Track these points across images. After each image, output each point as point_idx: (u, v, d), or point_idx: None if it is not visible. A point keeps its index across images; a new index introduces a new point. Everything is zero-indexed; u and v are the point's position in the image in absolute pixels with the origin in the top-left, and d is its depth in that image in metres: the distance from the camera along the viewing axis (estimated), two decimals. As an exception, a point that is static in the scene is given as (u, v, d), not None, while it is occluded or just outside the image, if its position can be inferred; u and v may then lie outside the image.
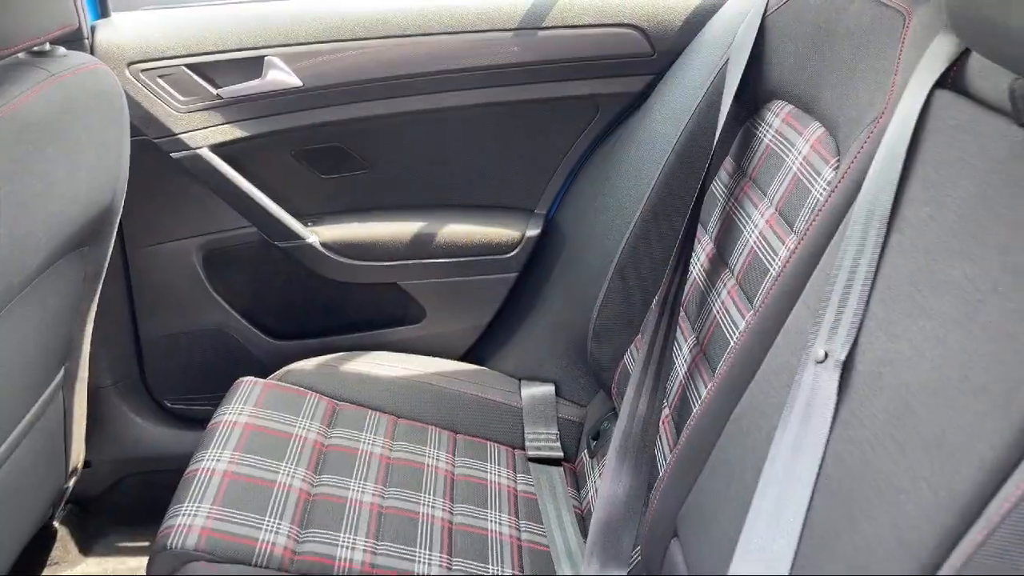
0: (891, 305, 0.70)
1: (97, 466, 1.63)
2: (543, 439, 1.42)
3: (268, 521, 1.09)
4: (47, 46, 1.04)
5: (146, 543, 1.64)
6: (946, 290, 0.64)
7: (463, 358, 1.58)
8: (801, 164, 1.01)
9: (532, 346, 1.56)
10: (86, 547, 1.65)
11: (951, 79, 0.75)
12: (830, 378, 0.74)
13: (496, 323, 1.60)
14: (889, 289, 0.71)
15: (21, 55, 1.02)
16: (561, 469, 1.38)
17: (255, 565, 1.04)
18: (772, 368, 0.84)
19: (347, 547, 1.09)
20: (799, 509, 0.72)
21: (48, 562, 1.61)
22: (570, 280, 1.53)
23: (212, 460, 1.16)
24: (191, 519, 1.06)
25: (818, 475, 0.71)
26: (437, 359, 1.52)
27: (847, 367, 0.73)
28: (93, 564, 1.64)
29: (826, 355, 0.75)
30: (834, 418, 0.72)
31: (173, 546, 1.03)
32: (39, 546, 1.58)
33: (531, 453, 1.39)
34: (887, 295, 0.71)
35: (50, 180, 0.98)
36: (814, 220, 0.87)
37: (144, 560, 1.67)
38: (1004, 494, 0.52)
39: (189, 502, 1.10)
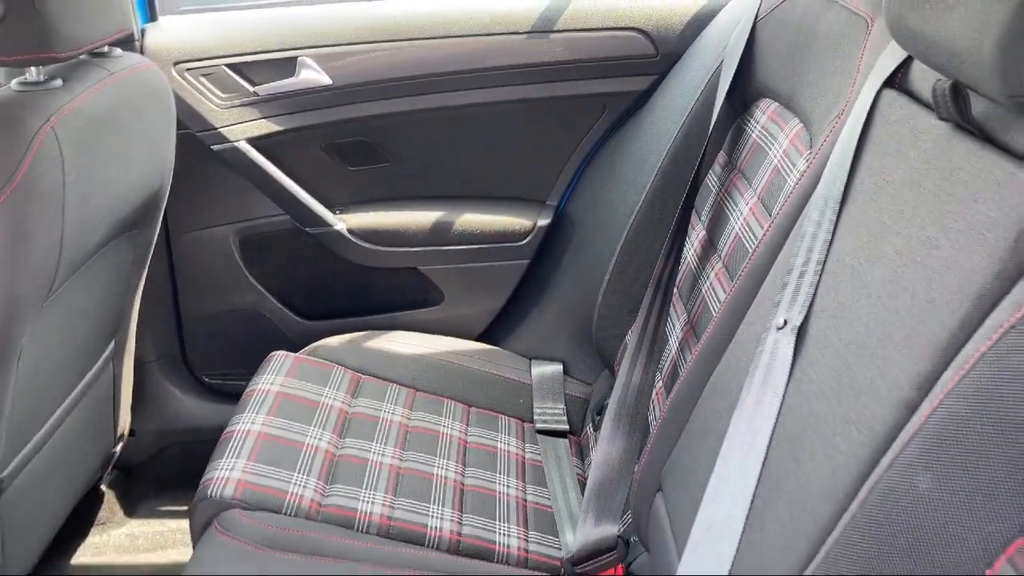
0: (838, 276, 0.80)
1: (141, 436, 1.76)
2: (551, 413, 1.53)
3: (297, 477, 1.21)
4: (106, 48, 1.17)
5: (185, 507, 1.76)
6: (880, 262, 0.74)
7: (478, 339, 1.69)
8: (781, 156, 1.11)
9: (542, 328, 1.67)
10: (130, 510, 1.78)
11: (897, 80, 0.85)
12: (788, 342, 0.84)
13: (509, 306, 1.71)
14: (838, 263, 0.81)
15: (83, 56, 1.15)
16: (567, 441, 1.48)
17: (284, 514, 1.16)
18: (744, 337, 0.94)
19: (367, 502, 1.20)
20: (759, 456, 0.82)
21: (95, 522, 1.75)
22: (578, 266, 1.64)
23: (247, 423, 1.29)
24: (228, 473, 1.19)
25: (775, 426, 0.81)
26: (454, 339, 1.63)
27: (801, 331, 0.83)
28: (136, 525, 1.77)
29: (785, 322, 0.85)
30: (789, 376, 0.82)
31: (213, 495, 1.16)
32: (88, 507, 1.72)
33: (539, 426, 1.50)
34: (836, 267, 0.81)
35: (109, 168, 1.11)
36: (784, 204, 0.97)
37: (183, 523, 1.79)
38: (910, 427, 0.63)
39: (227, 458, 1.22)
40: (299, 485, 1.20)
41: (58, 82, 1.05)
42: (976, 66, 0.62)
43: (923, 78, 0.80)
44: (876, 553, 0.62)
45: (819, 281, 0.83)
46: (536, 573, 1.17)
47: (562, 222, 1.69)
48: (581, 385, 1.59)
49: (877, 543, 0.62)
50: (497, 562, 1.18)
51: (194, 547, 1.14)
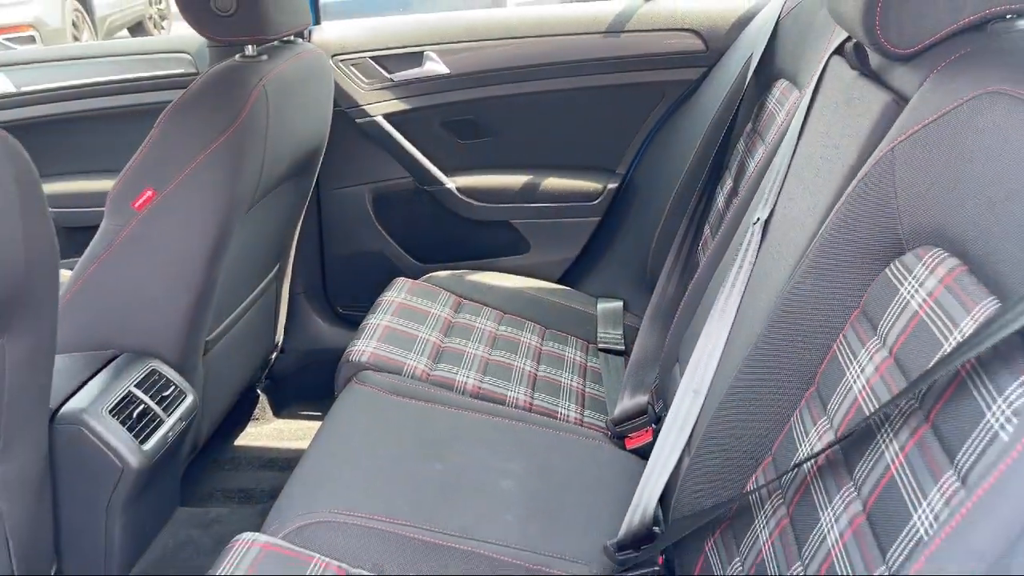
0: (793, 183, 1.16)
1: (288, 352, 2.22)
2: (611, 337, 1.90)
3: (412, 356, 1.62)
4: (293, 36, 1.63)
5: (319, 413, 2.21)
6: (815, 172, 1.10)
7: (557, 282, 2.09)
8: (783, 117, 1.46)
9: (608, 272, 2.05)
10: (277, 411, 2.25)
11: (844, 48, 1.20)
12: (758, 233, 1.20)
13: (582, 254, 2.10)
14: (794, 175, 1.17)
15: (276, 42, 1.62)
16: (622, 359, 1.85)
17: (403, 376, 1.57)
18: (738, 236, 1.30)
19: (463, 377, 1.61)
20: (730, 319, 1.18)
21: (251, 418, 2.22)
22: (638, 223, 2.01)
23: (377, 319, 1.72)
24: (364, 346, 1.62)
25: (746, 283, 1.17)
26: (537, 280, 2.02)
27: (767, 224, 1.19)
28: (282, 422, 2.23)
29: (758, 219, 1.21)
30: (755, 259, 1.18)
31: (353, 360, 1.59)
32: (246, 404, 2.18)
33: (601, 345, 1.87)
34: (792, 178, 1.17)
35: (294, 120, 1.57)
36: (773, 140, 1.33)
37: (316, 425, 2.24)
38: (809, 249, 0.98)
39: (363, 340, 1.65)
40: (413, 361, 1.61)
41: (265, 57, 1.51)
42: (859, 27, 0.98)
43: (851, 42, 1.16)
44: (780, 337, 0.97)
45: (782, 187, 1.19)
46: (589, 429, 1.54)
47: (627, 186, 2.07)
48: (637, 318, 1.95)
49: (781, 332, 0.97)
50: (560, 420, 1.56)
51: (337, 393, 1.56)
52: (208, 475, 1.97)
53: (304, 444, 2.17)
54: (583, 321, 1.93)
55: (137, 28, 7.14)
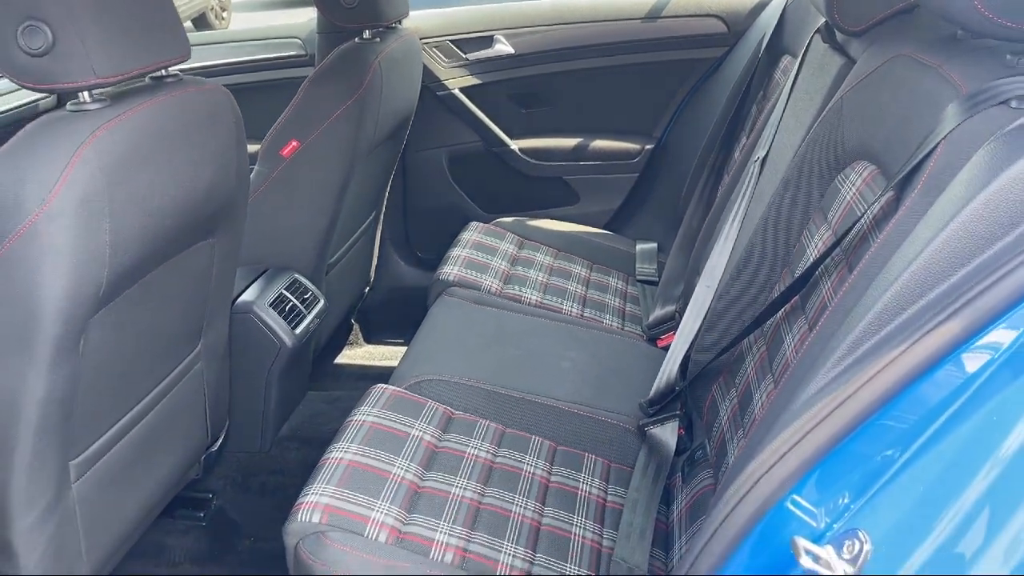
0: (782, 128, 1.56)
1: (376, 289, 2.66)
2: (647, 271, 2.30)
3: (487, 277, 2.04)
4: (394, 24, 2.06)
5: (402, 340, 2.65)
6: (796, 117, 1.49)
7: (602, 228, 2.49)
8: (789, 87, 1.85)
9: (645, 219, 2.46)
10: (367, 337, 2.69)
11: (821, 28, 1.59)
12: (757, 168, 1.60)
13: (623, 204, 2.51)
14: (783, 123, 1.57)
15: (382, 29, 2.05)
16: (656, 288, 2.25)
17: (481, 291, 1.99)
18: (744, 173, 1.70)
19: (528, 294, 2.02)
20: (736, 232, 1.58)
21: (347, 343, 2.66)
22: (671, 177, 2.41)
23: (458, 251, 2.13)
24: (450, 269, 2.04)
25: (745, 214, 1.57)
26: (585, 226, 2.44)
27: (764, 161, 1.59)
28: (371, 347, 2.68)
29: (757, 158, 1.61)
30: (755, 187, 1.58)
31: (442, 279, 2.01)
32: (344, 330, 2.63)
33: (639, 277, 2.28)
34: (782, 125, 1.57)
35: (397, 92, 1.99)
36: (778, 104, 1.72)
37: (402, 349, 2.66)
38: (790, 165, 1.39)
39: (448, 265, 2.07)
40: (488, 281, 2.03)
41: (378, 40, 1.94)
42: (825, 11, 1.37)
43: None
44: (767, 234, 1.37)
45: (774, 134, 1.59)
46: (628, 334, 1.95)
47: (662, 147, 2.47)
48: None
49: (768, 230, 1.37)
50: (605, 327, 1.97)
51: (430, 304, 1.99)
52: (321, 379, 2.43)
53: (392, 363, 2.63)
54: (624, 258, 2.33)
55: (200, 20, 7.43)
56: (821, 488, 0.78)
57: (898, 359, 0.73)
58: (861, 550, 0.69)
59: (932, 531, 0.68)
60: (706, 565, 0.74)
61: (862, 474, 0.76)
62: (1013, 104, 0.84)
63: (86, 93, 1.09)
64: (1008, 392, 0.70)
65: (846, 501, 0.76)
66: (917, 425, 0.74)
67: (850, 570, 0.69)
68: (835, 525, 0.76)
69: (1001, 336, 0.73)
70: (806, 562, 0.70)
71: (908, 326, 0.76)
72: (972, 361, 0.73)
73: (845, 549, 0.70)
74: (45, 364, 1.05)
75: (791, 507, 0.79)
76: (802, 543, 0.71)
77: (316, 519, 1.21)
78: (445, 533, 1.25)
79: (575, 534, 1.31)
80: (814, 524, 0.77)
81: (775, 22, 2.04)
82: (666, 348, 1.87)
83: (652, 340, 1.94)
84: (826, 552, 0.70)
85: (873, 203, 1.08)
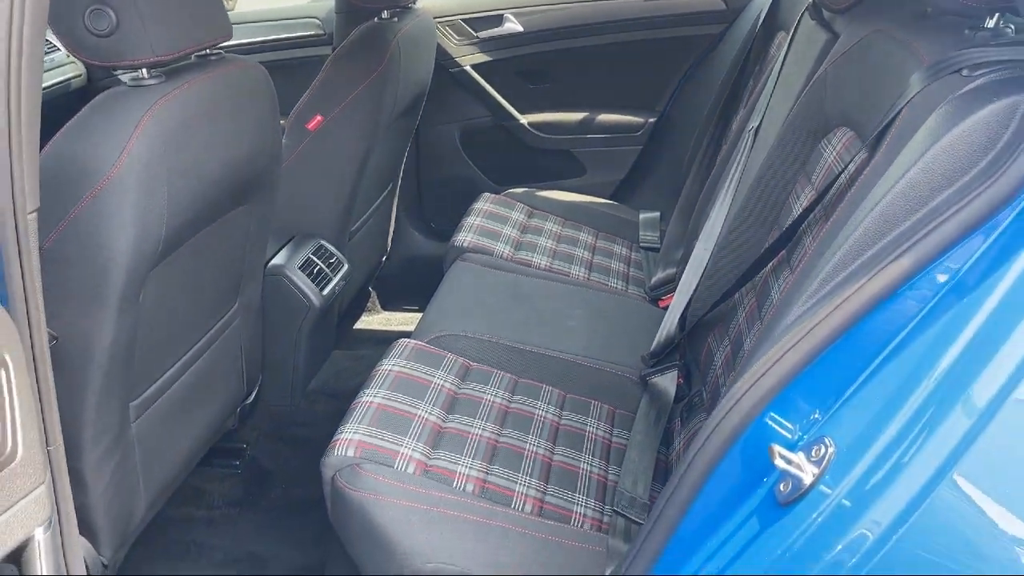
0: (774, 99, 1.68)
1: (392, 258, 2.79)
2: (650, 238, 2.43)
3: (499, 244, 2.17)
4: (410, 3, 2.18)
5: (417, 307, 2.78)
6: (786, 88, 1.61)
7: (607, 198, 2.62)
8: (781, 61, 1.97)
9: (647, 190, 2.58)
10: (384, 304, 2.83)
11: (810, 5, 1.70)
12: (751, 137, 1.72)
13: (628, 176, 2.63)
14: (775, 93, 1.69)
15: (399, 9, 2.17)
16: (659, 253, 2.38)
17: (493, 256, 2.12)
18: (740, 142, 1.82)
19: (537, 259, 2.15)
20: (731, 196, 1.70)
21: (365, 309, 2.80)
22: (673, 150, 2.53)
23: (472, 219, 2.26)
24: (465, 236, 2.17)
25: (740, 178, 1.70)
26: (591, 196, 2.56)
27: (757, 131, 1.71)
28: (387, 314, 2.82)
29: (751, 127, 1.73)
30: (749, 155, 1.70)
31: (457, 245, 2.14)
32: (362, 297, 2.76)
33: (642, 244, 2.40)
34: (774, 96, 1.69)
35: (413, 68, 2.12)
36: (771, 77, 1.84)
37: (416, 315, 2.79)
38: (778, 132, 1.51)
39: (463, 232, 2.20)
40: (500, 247, 2.16)
41: (396, 19, 2.06)
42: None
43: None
44: (758, 196, 1.50)
45: (767, 104, 1.71)
46: (632, 295, 2.08)
47: (664, 119, 2.59)
48: (671, 224, 2.48)
49: (759, 192, 1.50)
50: (610, 289, 2.10)
51: (446, 269, 2.12)
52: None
53: (408, 328, 2.77)
54: (628, 227, 2.46)
55: (214, 0, 7.66)
56: (794, 404, 0.92)
57: (860, 289, 0.86)
58: (826, 453, 0.83)
59: (882, 434, 0.81)
60: (701, 463, 0.87)
61: (829, 390, 0.89)
62: (964, 73, 0.96)
63: (145, 70, 1.21)
64: (948, 317, 0.83)
65: (816, 416, 0.90)
66: (875, 347, 0.87)
67: (815, 470, 0.83)
68: (805, 436, 0.89)
69: (944, 270, 0.86)
70: (780, 463, 0.83)
71: (869, 263, 0.89)
72: (920, 291, 0.86)
73: (813, 452, 0.84)
74: (113, 312, 1.19)
75: (769, 422, 0.93)
76: (777, 449, 0.84)
77: (351, 453, 1.35)
78: (466, 467, 1.39)
79: (583, 469, 1.45)
80: (789, 436, 0.90)
81: (770, 1, 2.15)
82: (667, 308, 2.01)
83: (654, 301, 2.07)
84: (797, 457, 0.83)
85: (849, 163, 1.21)
